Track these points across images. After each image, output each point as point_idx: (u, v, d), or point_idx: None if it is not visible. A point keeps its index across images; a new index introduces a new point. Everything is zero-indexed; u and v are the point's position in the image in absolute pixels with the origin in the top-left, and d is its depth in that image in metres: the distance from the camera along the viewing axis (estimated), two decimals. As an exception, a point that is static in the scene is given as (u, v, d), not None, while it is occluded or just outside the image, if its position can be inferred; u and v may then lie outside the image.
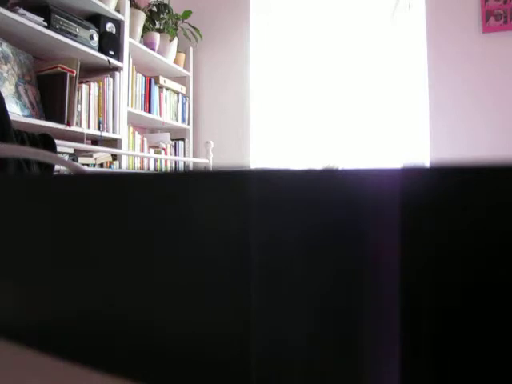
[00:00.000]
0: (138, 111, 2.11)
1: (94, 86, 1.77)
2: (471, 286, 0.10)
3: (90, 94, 1.74)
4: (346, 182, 0.12)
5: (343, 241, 0.12)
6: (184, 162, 2.46)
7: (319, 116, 3.56)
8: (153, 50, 2.21)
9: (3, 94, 1.07)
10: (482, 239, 0.10)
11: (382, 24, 3.21)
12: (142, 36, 2.18)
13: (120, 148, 1.89)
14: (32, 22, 1.42)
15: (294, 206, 0.13)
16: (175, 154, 2.46)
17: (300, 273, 0.13)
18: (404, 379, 0.11)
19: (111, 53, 1.83)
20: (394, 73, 3.10)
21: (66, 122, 1.56)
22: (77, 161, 1.64)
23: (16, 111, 1.42)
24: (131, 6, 2.04)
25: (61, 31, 1.55)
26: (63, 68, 1.57)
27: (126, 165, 1.95)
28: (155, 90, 2.28)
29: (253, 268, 0.14)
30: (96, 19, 1.78)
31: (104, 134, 1.80)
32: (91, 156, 1.73)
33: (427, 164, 0.11)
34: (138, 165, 2.12)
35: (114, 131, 1.88)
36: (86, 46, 1.67)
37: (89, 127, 1.72)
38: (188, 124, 2.56)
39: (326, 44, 3.46)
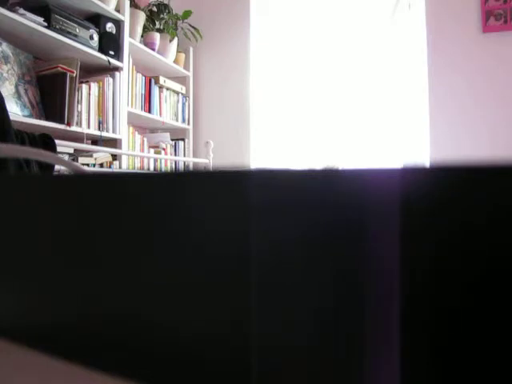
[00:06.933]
0: (138, 111, 2.11)
1: (94, 86, 1.77)
2: (472, 286, 0.10)
3: (89, 94, 1.74)
4: (346, 182, 0.12)
5: (343, 240, 0.12)
6: (184, 162, 2.46)
7: (319, 116, 3.56)
8: (153, 49, 2.21)
9: (3, 94, 1.07)
10: (482, 239, 0.10)
11: (382, 24, 3.21)
12: (142, 36, 2.18)
13: (120, 148, 1.89)
14: (32, 22, 1.42)
15: (293, 205, 0.13)
16: (175, 154, 2.46)
17: (300, 272, 0.13)
18: (404, 379, 0.11)
19: (111, 53, 1.83)
20: (394, 73, 3.10)
21: (66, 122, 1.56)
22: (77, 161, 1.64)
23: (16, 111, 1.42)
24: (131, 5, 2.04)
25: (61, 31, 1.55)
26: (63, 68, 1.57)
27: (126, 165, 1.95)
28: (155, 90, 2.27)
29: (253, 267, 0.14)
30: (96, 19, 1.78)
31: (104, 134, 1.80)
32: (91, 156, 1.73)
33: (427, 164, 0.11)
34: (138, 165, 2.12)
35: (114, 131, 1.88)
36: (85, 45, 1.67)
37: (89, 127, 1.72)
38: (188, 124, 2.56)
39: (326, 44, 3.46)
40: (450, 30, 2.15)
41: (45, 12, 1.49)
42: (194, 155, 2.58)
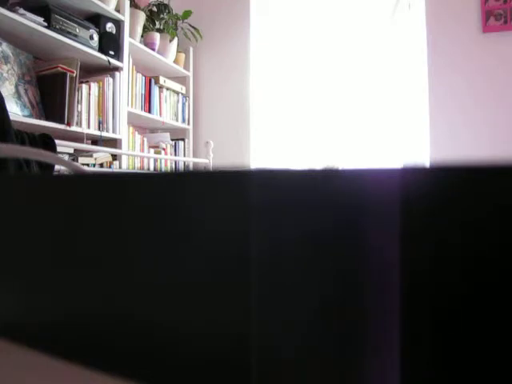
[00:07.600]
0: (138, 111, 2.11)
1: (94, 86, 1.77)
2: (472, 286, 0.10)
3: (89, 94, 1.74)
4: (346, 182, 0.12)
5: (343, 240, 0.12)
6: (184, 162, 2.46)
7: (319, 116, 3.56)
8: (153, 50, 2.21)
9: (3, 94, 1.07)
10: (482, 239, 0.10)
11: (382, 24, 3.21)
12: (142, 36, 2.18)
13: (120, 148, 1.89)
14: (32, 22, 1.42)
15: (294, 205, 0.13)
16: (175, 154, 2.46)
17: (300, 272, 0.13)
18: (404, 379, 0.11)
19: (111, 53, 1.83)
20: (394, 73, 3.10)
21: (66, 122, 1.56)
22: (77, 161, 1.64)
23: (16, 111, 1.42)
24: (131, 5, 2.04)
25: (61, 31, 1.55)
26: (63, 68, 1.57)
27: (126, 165, 1.95)
28: (155, 90, 2.28)
29: (253, 267, 0.13)
30: (96, 19, 1.78)
31: (104, 134, 1.80)
32: (91, 156, 1.73)
33: (427, 164, 0.11)
34: (138, 165, 2.12)
35: (114, 131, 1.88)
36: (85, 45, 1.67)
37: (89, 127, 1.72)
38: (188, 124, 2.56)
39: (326, 44, 3.46)
40: (450, 29, 2.15)
41: (45, 12, 1.49)
42: (194, 155, 2.58)
